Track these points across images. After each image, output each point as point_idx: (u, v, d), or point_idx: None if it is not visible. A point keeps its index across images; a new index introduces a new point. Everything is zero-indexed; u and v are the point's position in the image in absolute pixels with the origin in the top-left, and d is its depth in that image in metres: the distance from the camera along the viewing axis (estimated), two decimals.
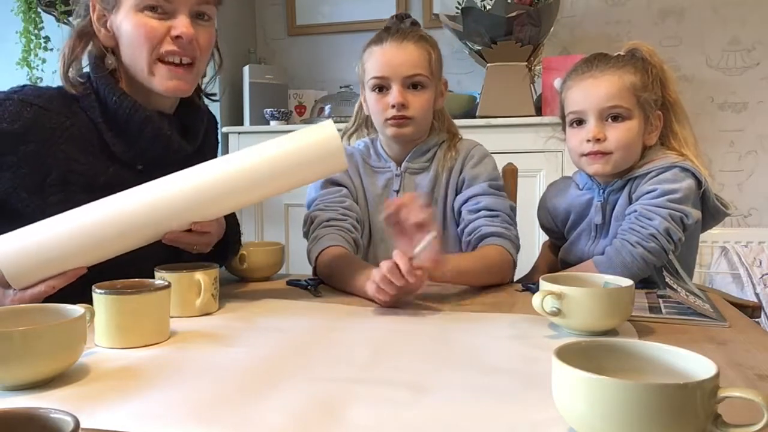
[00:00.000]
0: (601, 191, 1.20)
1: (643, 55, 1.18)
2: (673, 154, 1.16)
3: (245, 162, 0.96)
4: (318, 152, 0.97)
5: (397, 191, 1.28)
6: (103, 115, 1.02)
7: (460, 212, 1.25)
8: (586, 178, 1.23)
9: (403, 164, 1.29)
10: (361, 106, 1.35)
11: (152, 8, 0.99)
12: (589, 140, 1.15)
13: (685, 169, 1.12)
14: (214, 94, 1.21)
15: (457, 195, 1.26)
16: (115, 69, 1.04)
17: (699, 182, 1.12)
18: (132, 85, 1.05)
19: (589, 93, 1.15)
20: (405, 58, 1.21)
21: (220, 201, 0.95)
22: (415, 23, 1.30)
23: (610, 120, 1.14)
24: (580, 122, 1.17)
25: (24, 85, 1.03)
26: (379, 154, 1.32)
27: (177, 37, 0.99)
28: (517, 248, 1.19)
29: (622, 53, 1.20)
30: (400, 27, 1.26)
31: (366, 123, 1.37)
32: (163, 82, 1.02)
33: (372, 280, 0.96)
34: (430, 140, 1.29)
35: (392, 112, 1.21)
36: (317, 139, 0.97)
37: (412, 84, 1.22)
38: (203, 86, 1.18)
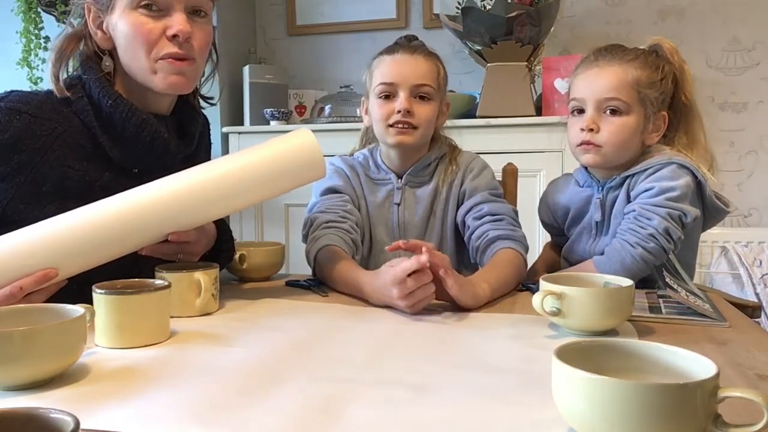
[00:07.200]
0: (600, 188, 1.20)
1: (664, 53, 1.18)
2: (670, 149, 1.16)
3: (221, 172, 0.94)
4: (297, 161, 0.96)
5: (398, 204, 1.28)
6: (97, 119, 1.00)
7: (464, 222, 1.25)
8: (585, 175, 1.23)
9: (405, 177, 1.29)
10: (366, 130, 1.36)
11: (146, 6, 0.97)
12: (583, 129, 1.15)
13: (682, 166, 1.11)
14: (212, 98, 1.19)
15: (458, 208, 1.27)
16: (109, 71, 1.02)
17: (697, 180, 1.12)
18: (129, 85, 1.03)
19: (591, 83, 1.16)
20: (415, 67, 1.22)
21: (193, 212, 0.94)
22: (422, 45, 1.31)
23: (608, 113, 1.14)
24: (580, 111, 1.18)
25: (10, 91, 0.99)
26: (379, 166, 1.31)
27: (173, 36, 0.97)
28: (526, 248, 1.18)
29: (643, 47, 1.19)
30: (410, 44, 1.27)
31: (371, 141, 1.37)
32: (166, 77, 0.99)
33: (399, 288, 0.92)
34: (431, 154, 1.30)
35: (397, 117, 1.21)
36: (296, 147, 0.96)
37: (420, 94, 1.22)
38: (200, 86, 1.15)
